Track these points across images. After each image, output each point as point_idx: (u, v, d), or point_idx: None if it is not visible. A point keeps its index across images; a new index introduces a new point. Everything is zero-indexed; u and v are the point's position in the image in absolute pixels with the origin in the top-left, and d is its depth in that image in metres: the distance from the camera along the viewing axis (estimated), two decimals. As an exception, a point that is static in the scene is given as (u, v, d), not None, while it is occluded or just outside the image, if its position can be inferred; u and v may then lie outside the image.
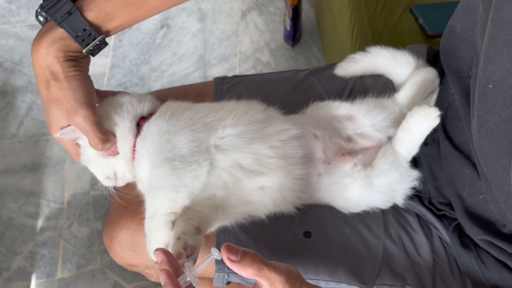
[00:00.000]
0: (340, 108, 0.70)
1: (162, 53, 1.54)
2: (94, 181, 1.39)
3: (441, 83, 0.71)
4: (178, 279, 0.46)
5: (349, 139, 0.68)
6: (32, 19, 1.60)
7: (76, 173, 1.40)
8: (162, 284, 0.45)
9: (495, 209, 0.57)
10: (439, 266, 0.65)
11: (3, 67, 1.52)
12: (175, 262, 0.48)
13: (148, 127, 0.58)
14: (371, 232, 0.65)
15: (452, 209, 0.66)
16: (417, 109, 0.62)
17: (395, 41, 0.99)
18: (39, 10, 0.56)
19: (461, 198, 0.62)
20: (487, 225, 0.59)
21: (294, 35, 1.48)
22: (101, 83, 1.50)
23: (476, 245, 0.63)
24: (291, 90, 0.76)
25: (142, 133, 0.59)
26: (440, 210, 0.68)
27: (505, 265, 0.59)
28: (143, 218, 0.57)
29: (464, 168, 0.60)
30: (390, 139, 0.68)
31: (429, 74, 0.70)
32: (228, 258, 0.44)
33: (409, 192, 0.67)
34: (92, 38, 0.55)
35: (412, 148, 0.65)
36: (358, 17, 1.04)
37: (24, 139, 1.45)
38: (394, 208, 0.69)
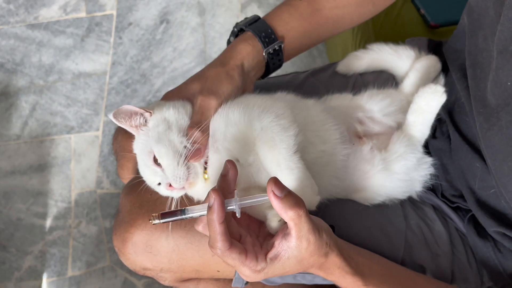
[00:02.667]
0: (343, 98, 0.70)
1: (162, 49, 1.54)
2: (100, 179, 1.40)
3: (446, 77, 0.71)
4: (225, 200, 0.45)
5: (360, 122, 0.69)
6: (31, 19, 1.60)
7: (82, 172, 1.41)
8: (209, 203, 0.45)
9: (505, 204, 0.57)
10: (456, 257, 0.66)
11: (4, 68, 1.52)
12: (228, 188, 0.48)
13: None
14: (392, 225, 0.65)
15: (465, 200, 0.66)
16: (423, 88, 0.64)
17: (397, 33, 0.98)
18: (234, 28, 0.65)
19: (473, 191, 0.62)
20: (500, 218, 0.59)
21: (294, 27, 1.47)
22: (103, 81, 1.50)
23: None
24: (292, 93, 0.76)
25: None
26: (453, 203, 0.69)
27: None
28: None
29: (475, 162, 0.61)
30: (400, 126, 0.69)
31: (430, 60, 0.71)
32: (272, 191, 0.43)
33: (426, 179, 0.68)
34: (272, 41, 0.62)
35: (424, 128, 0.66)
36: (359, 9, 1.03)
37: (29, 140, 1.45)
38: (411, 200, 0.70)
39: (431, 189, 0.70)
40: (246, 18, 0.65)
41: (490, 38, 0.52)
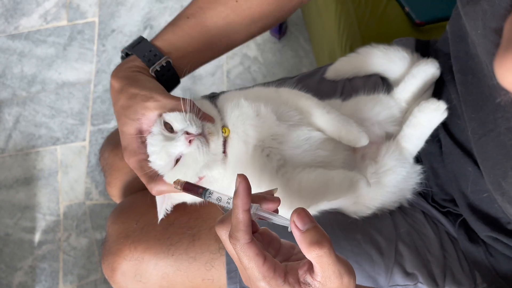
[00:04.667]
0: (332, 105, 0.68)
1: (147, 55, 1.51)
2: (88, 190, 1.38)
3: (438, 80, 0.70)
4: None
5: None
6: (11, 29, 1.56)
7: (70, 184, 1.39)
8: (235, 187, 0.42)
9: (498, 208, 0.56)
10: (448, 261, 0.65)
11: (-15, 81, 1.49)
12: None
13: None
14: (382, 236, 0.65)
15: (456, 205, 0.65)
16: (426, 103, 0.62)
17: (382, 32, 0.97)
18: (121, 53, 0.64)
19: (465, 195, 0.62)
20: (492, 222, 0.59)
21: (280, 28, 1.45)
22: (87, 90, 1.48)
23: (484, 239, 0.63)
24: None
25: None
26: (444, 207, 0.68)
27: None
28: (147, 248, 0.57)
29: (467, 166, 0.60)
30: (388, 135, 0.67)
31: (429, 66, 0.67)
32: (294, 222, 0.40)
33: (416, 186, 0.67)
34: (157, 59, 0.60)
35: (419, 142, 0.65)
36: (344, 8, 1.02)
37: (14, 153, 1.42)
38: (401, 207, 0.69)
39: (421, 194, 0.69)
40: (132, 42, 0.63)
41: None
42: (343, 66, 0.75)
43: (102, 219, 1.35)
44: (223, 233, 0.44)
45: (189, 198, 0.59)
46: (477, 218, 0.60)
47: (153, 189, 0.55)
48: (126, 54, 0.63)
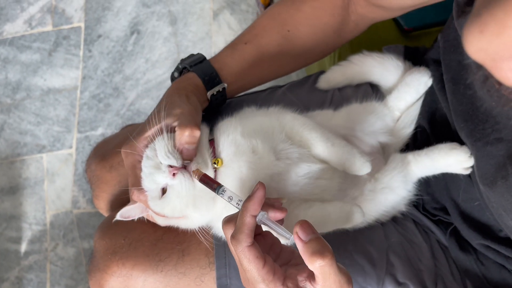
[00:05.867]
0: (323, 115, 0.68)
1: (134, 61, 1.50)
2: (76, 199, 1.36)
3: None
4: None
5: (346, 139, 0.66)
6: (-6, 35, 1.54)
7: (57, 193, 1.36)
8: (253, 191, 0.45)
9: (490, 216, 0.56)
10: (439, 270, 0.65)
11: (-32, 88, 1.46)
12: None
13: None
14: (374, 246, 0.64)
15: (447, 213, 0.65)
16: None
17: (371, 39, 0.97)
18: (179, 65, 0.66)
19: (456, 204, 0.62)
20: (484, 230, 0.59)
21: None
22: (74, 97, 1.45)
23: (474, 248, 0.63)
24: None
25: None
26: (434, 216, 0.68)
27: (505, 266, 0.60)
28: (136, 264, 0.56)
29: (458, 174, 0.60)
30: (381, 145, 0.67)
31: (422, 75, 0.66)
32: (297, 233, 0.41)
33: (411, 198, 0.66)
34: (216, 83, 0.64)
35: (429, 173, 0.64)
36: (332, 15, 1.01)
37: (-2, 162, 1.39)
38: (392, 217, 0.68)
39: (412, 203, 0.69)
40: (192, 55, 0.67)
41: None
42: (336, 75, 0.74)
43: (90, 228, 1.33)
44: (228, 232, 0.46)
45: (162, 221, 0.58)
46: (469, 226, 0.60)
47: (135, 193, 0.55)
48: (184, 67, 0.66)
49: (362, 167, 0.56)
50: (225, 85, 0.65)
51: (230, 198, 0.49)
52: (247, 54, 0.67)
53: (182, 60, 0.66)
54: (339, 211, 0.55)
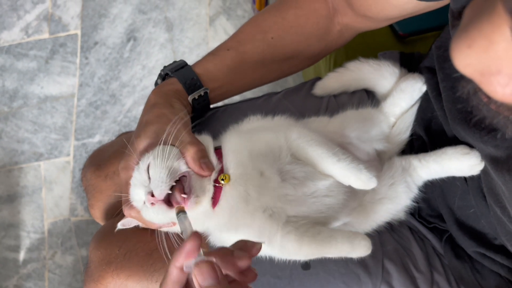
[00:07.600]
0: (319, 122, 0.68)
1: (131, 68, 1.50)
2: (73, 206, 1.36)
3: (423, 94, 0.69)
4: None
5: (342, 147, 0.66)
6: (-9, 43, 1.54)
7: (54, 201, 1.36)
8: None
9: (485, 224, 0.56)
10: (435, 277, 0.65)
11: (-34, 96, 1.46)
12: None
13: None
14: (369, 254, 0.64)
15: (443, 221, 0.65)
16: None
17: (366, 44, 0.97)
18: (161, 71, 0.66)
19: (452, 211, 0.62)
20: (479, 238, 0.59)
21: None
22: (71, 104, 1.46)
23: (470, 256, 0.63)
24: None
25: None
26: (430, 223, 0.68)
27: (500, 274, 0.59)
28: (130, 275, 0.57)
29: (455, 180, 0.60)
30: (377, 152, 0.67)
31: (417, 81, 0.67)
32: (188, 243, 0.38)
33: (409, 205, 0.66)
34: (197, 88, 0.63)
35: (435, 177, 0.63)
36: (327, 20, 1.02)
37: (-4, 170, 1.39)
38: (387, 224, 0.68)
39: (409, 210, 0.69)
40: (174, 62, 0.67)
41: None
42: (332, 82, 0.74)
43: (88, 236, 1.33)
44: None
45: (156, 226, 0.58)
46: (464, 233, 0.60)
47: (125, 209, 0.55)
48: (166, 74, 0.67)
49: (369, 182, 0.55)
50: (207, 89, 0.65)
51: (183, 232, 0.44)
52: (228, 60, 0.67)
53: (165, 67, 0.67)
54: (346, 240, 0.54)
